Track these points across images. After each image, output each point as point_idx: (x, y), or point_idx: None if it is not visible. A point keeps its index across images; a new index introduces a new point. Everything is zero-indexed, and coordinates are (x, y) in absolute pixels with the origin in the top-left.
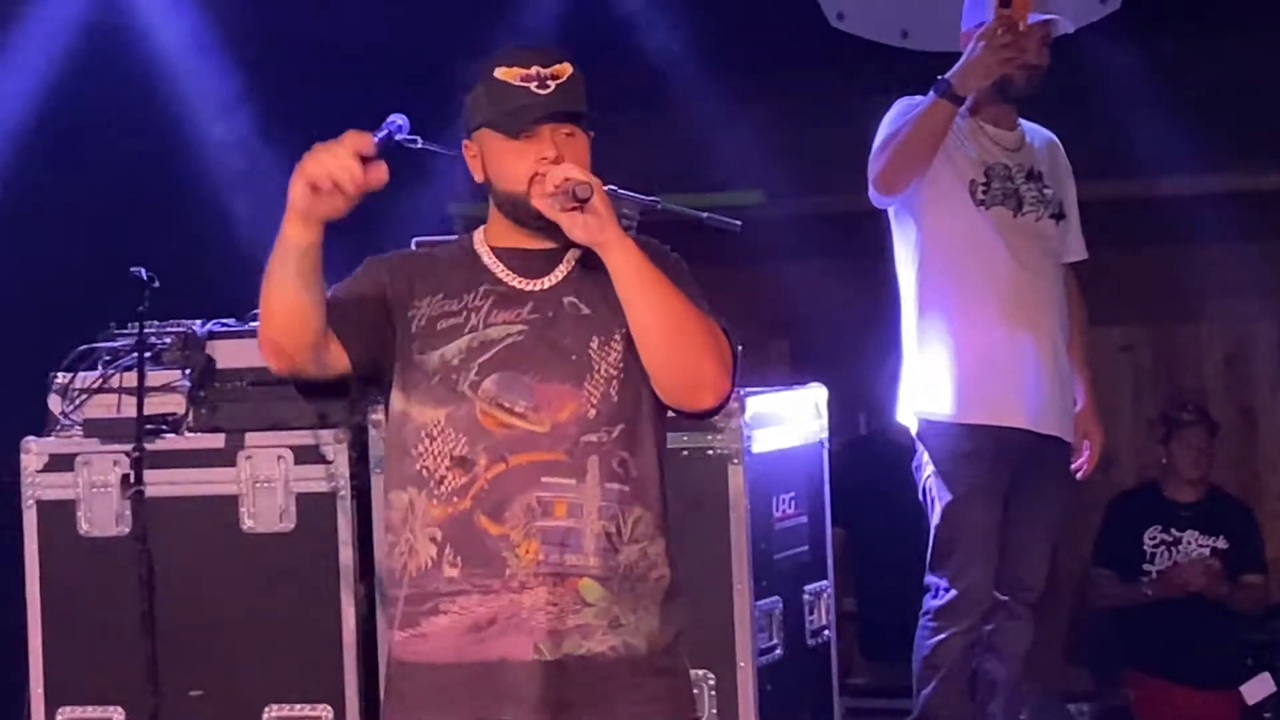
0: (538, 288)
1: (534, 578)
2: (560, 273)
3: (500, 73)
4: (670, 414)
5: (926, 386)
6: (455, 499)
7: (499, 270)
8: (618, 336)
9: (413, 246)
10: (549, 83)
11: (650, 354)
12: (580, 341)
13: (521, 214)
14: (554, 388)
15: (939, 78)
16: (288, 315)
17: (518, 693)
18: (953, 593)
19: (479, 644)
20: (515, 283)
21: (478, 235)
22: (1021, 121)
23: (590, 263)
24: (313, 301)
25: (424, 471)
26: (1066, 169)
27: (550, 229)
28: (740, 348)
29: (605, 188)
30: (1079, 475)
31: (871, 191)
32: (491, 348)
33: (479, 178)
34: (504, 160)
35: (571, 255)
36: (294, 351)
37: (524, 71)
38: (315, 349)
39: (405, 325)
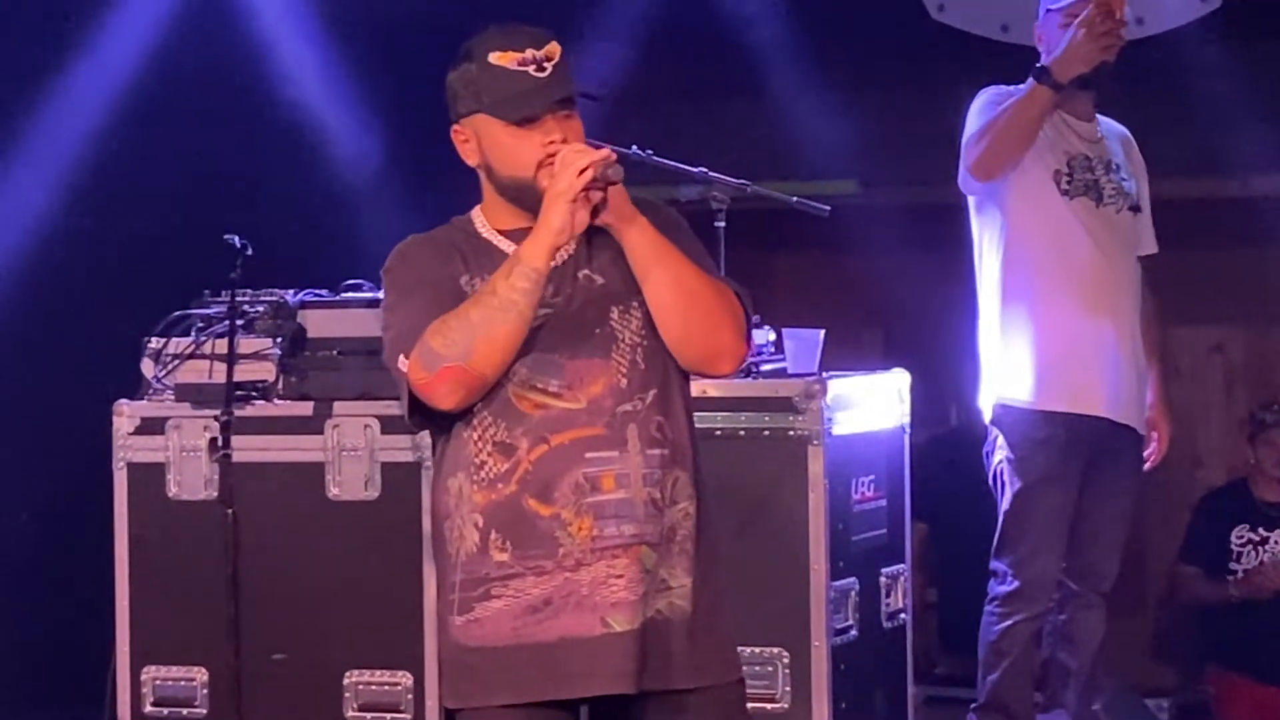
0: (554, 264)
1: (590, 554)
2: (570, 246)
3: (495, 57)
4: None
5: (1007, 372)
6: (499, 484)
7: (511, 250)
8: (635, 304)
9: None
10: (545, 65)
11: (668, 329)
12: (601, 313)
13: (527, 198)
14: (583, 363)
15: (1038, 65)
16: (513, 349)
17: (591, 669)
18: (1019, 579)
19: (536, 625)
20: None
21: (476, 219)
22: (1096, 114)
23: (597, 232)
24: None
25: (468, 457)
26: (1140, 164)
27: None
28: (752, 311)
29: (697, 169)
30: (1146, 466)
31: (964, 178)
32: None
33: (472, 162)
34: (507, 147)
35: None
36: (492, 382)
37: (519, 55)
38: None
39: None
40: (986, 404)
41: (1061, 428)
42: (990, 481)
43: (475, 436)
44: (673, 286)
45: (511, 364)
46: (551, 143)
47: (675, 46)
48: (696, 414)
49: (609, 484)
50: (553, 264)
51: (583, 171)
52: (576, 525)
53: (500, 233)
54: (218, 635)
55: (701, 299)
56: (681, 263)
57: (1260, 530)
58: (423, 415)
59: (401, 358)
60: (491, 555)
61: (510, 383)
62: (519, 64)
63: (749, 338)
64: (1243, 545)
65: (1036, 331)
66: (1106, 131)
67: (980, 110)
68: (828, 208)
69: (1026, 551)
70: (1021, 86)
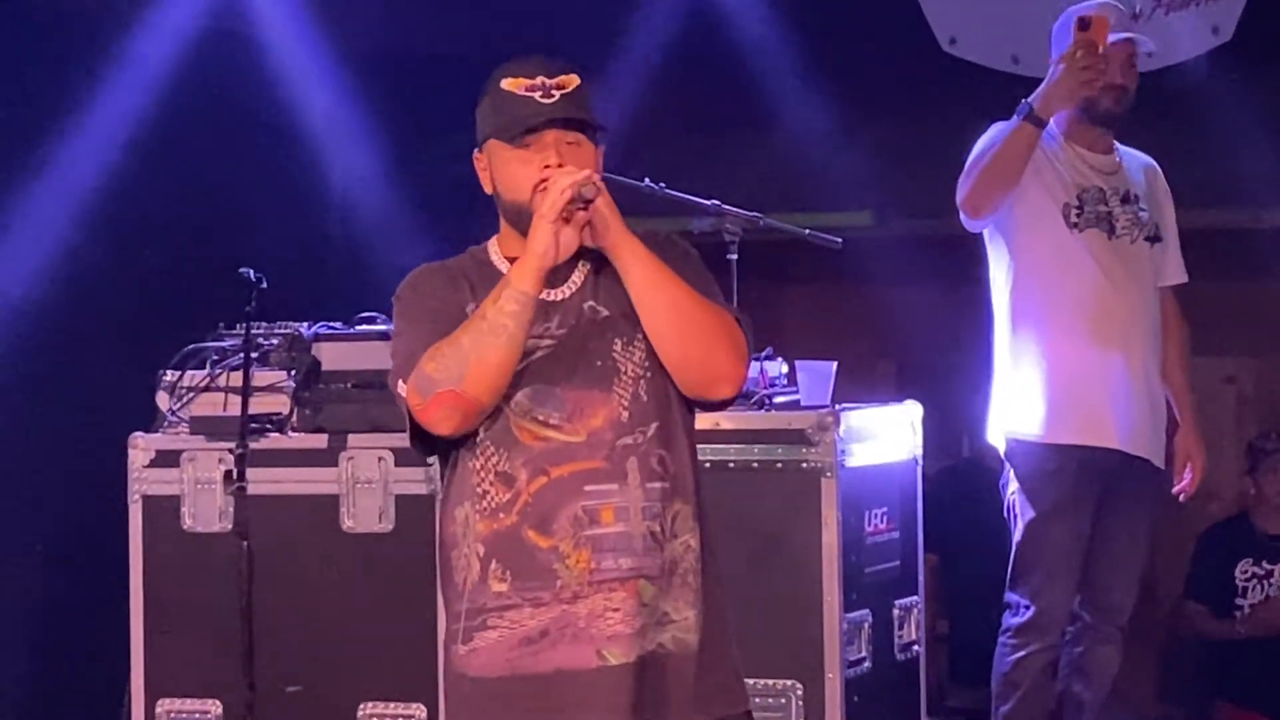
0: (560, 297)
1: (587, 586)
2: (578, 279)
3: (506, 83)
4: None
5: (1017, 407)
6: (501, 515)
7: None
8: (639, 336)
9: None
10: (554, 92)
11: (665, 352)
12: (604, 345)
13: (527, 223)
14: (584, 394)
15: (1022, 101)
16: (506, 373)
17: (585, 701)
18: (1032, 610)
19: (531, 656)
20: (542, 294)
21: (491, 248)
22: (1118, 146)
23: (605, 265)
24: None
25: (472, 486)
26: (1165, 193)
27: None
28: (753, 338)
29: (709, 202)
30: (1181, 498)
31: (961, 215)
32: (521, 360)
33: (488, 189)
34: (509, 169)
35: (585, 259)
36: (488, 409)
37: (529, 81)
38: None
39: None
40: (995, 437)
41: (1072, 460)
42: (1005, 514)
43: (478, 465)
44: (667, 309)
45: (514, 394)
46: (546, 166)
47: (688, 79)
48: (710, 446)
49: (608, 517)
50: (564, 295)
51: (564, 192)
52: (574, 558)
53: (510, 260)
54: (232, 667)
55: (697, 322)
56: (677, 286)
57: (1264, 564)
58: (425, 441)
59: (401, 383)
60: (490, 585)
61: (512, 413)
62: (526, 89)
63: (748, 363)
64: (1247, 580)
65: (1045, 364)
66: (1129, 163)
67: (979, 146)
68: (840, 240)
69: (1039, 583)
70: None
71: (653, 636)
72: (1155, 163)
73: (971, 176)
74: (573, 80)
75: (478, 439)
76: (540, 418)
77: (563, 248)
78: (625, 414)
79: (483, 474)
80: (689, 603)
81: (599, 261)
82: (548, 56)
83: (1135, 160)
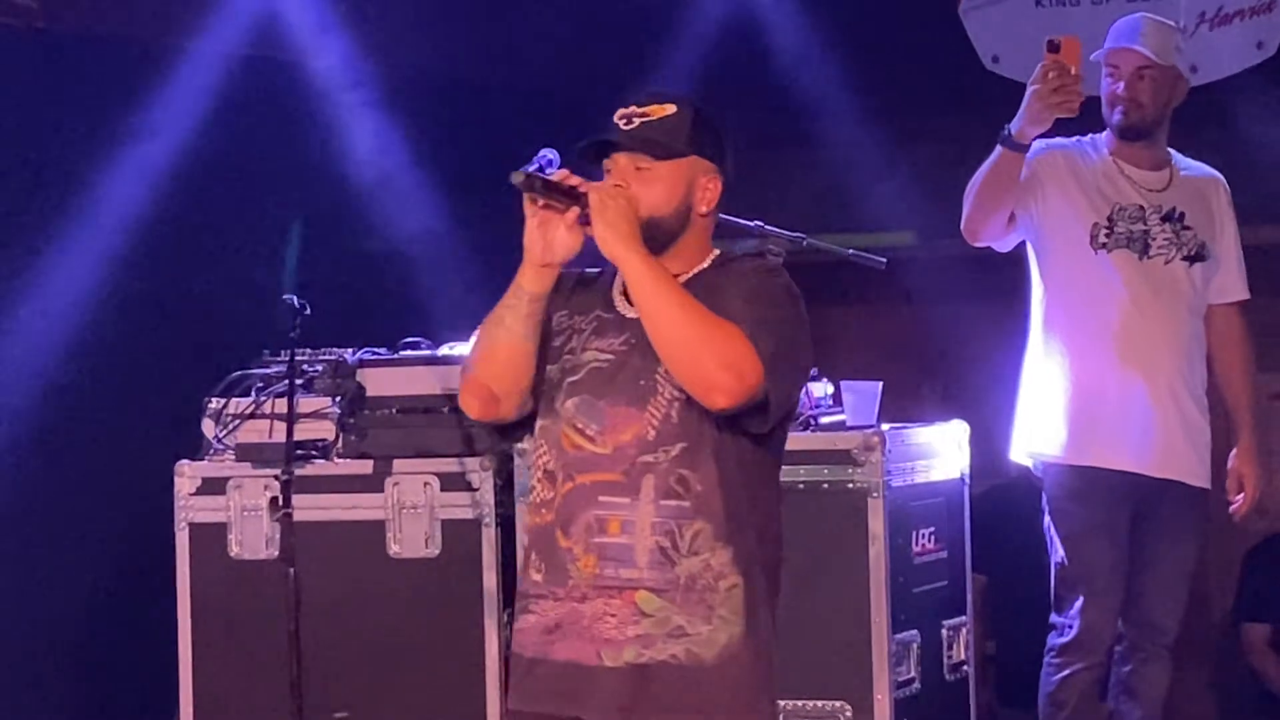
0: (633, 314)
1: (592, 589)
2: None
3: (615, 114)
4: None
5: (1039, 426)
6: (543, 510)
7: (616, 295)
8: None
9: None
10: (635, 119)
11: (661, 357)
12: (649, 366)
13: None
14: (621, 411)
15: (1005, 126)
16: (507, 362)
17: (585, 694)
18: (1075, 629)
19: (549, 644)
20: (623, 309)
21: None
22: (1178, 159)
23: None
24: (533, 351)
25: (526, 482)
26: (1227, 208)
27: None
28: (770, 354)
29: (752, 223)
30: (1236, 518)
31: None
32: (579, 370)
33: None
34: None
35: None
36: (504, 397)
37: (623, 110)
38: (523, 395)
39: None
40: (1018, 454)
41: (1095, 481)
42: (1045, 533)
43: (532, 464)
44: (657, 316)
45: (565, 401)
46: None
47: (729, 100)
48: None
49: (614, 528)
50: (637, 313)
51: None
52: (584, 561)
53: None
54: (280, 694)
55: (686, 332)
56: (671, 293)
57: None
58: (496, 431)
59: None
60: (530, 574)
61: (562, 418)
62: (618, 117)
63: (745, 376)
64: None
65: (1065, 385)
66: (1187, 176)
67: None
68: (884, 260)
69: (1078, 602)
70: (1076, 138)
71: (663, 647)
72: (1219, 176)
73: (966, 204)
74: (661, 109)
75: (538, 440)
76: (579, 426)
77: (557, 246)
78: (652, 433)
79: (534, 471)
80: (704, 618)
81: (685, 285)
82: (664, 89)
83: (1196, 173)
